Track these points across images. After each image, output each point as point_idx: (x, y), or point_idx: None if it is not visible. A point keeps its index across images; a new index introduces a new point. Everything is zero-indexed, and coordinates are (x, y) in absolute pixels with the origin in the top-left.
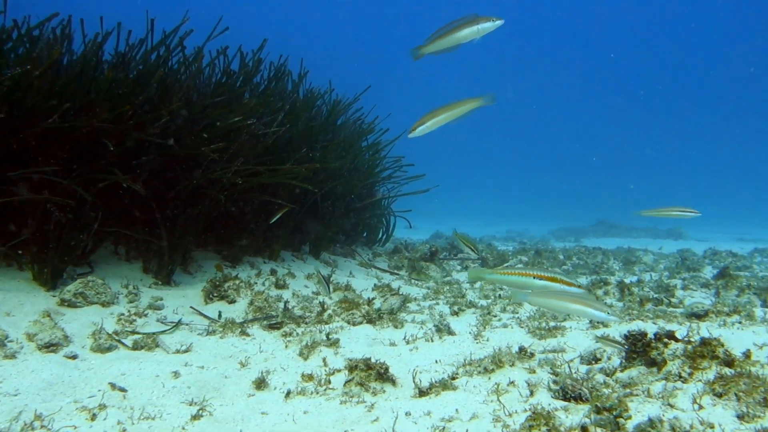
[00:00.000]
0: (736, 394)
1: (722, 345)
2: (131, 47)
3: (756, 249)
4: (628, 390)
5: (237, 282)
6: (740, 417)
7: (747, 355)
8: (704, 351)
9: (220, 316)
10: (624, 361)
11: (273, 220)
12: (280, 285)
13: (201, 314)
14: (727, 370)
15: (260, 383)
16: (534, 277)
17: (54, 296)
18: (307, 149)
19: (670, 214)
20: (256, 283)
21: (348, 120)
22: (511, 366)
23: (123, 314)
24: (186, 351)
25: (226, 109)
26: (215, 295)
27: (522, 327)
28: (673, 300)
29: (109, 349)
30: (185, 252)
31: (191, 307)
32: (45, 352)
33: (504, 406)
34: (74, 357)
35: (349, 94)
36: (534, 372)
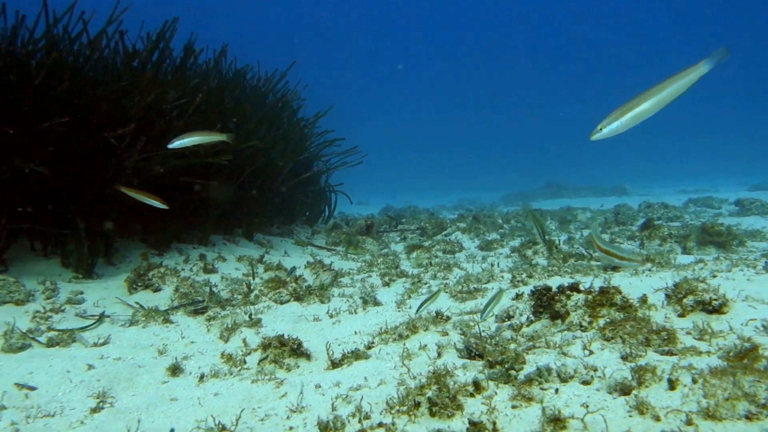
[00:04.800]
0: (621, 337)
1: (620, 292)
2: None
3: (690, 199)
4: (530, 343)
5: (162, 270)
6: (624, 358)
7: (643, 299)
8: (603, 299)
9: (141, 306)
10: (531, 315)
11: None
12: (208, 269)
13: (124, 303)
14: (617, 315)
15: (175, 369)
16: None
17: None
18: (222, 127)
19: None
20: (183, 270)
21: (275, 98)
22: (425, 331)
23: (38, 311)
24: (104, 344)
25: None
26: (139, 284)
27: (446, 292)
28: (596, 254)
29: (22, 348)
30: (107, 243)
31: (116, 297)
32: None
33: (410, 370)
34: None
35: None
36: (446, 334)
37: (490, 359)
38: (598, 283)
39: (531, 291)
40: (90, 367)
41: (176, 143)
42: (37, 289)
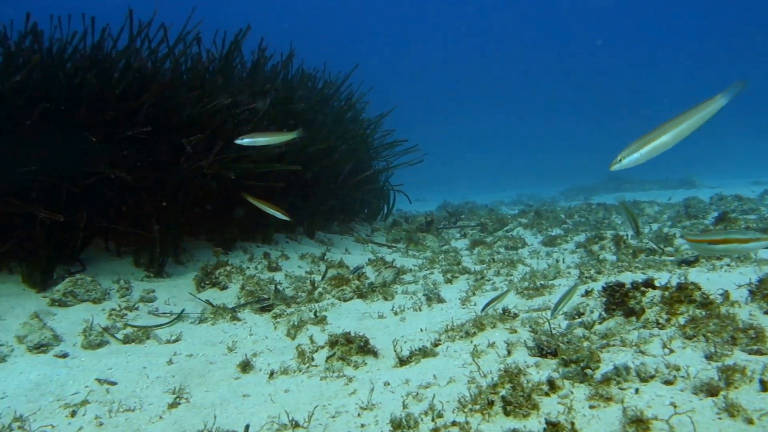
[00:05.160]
0: (704, 335)
1: (699, 288)
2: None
3: (766, 191)
4: (604, 341)
5: (228, 268)
6: (708, 357)
7: (725, 296)
8: (681, 296)
9: (211, 304)
10: (603, 313)
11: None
12: (272, 268)
13: (198, 299)
14: (699, 312)
15: (245, 366)
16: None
17: (44, 297)
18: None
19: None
20: (248, 268)
21: (339, 101)
22: (492, 328)
23: (114, 309)
24: (176, 341)
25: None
26: (207, 282)
27: (512, 289)
28: (668, 249)
29: (100, 345)
30: (176, 242)
31: (190, 293)
32: (35, 353)
33: (480, 368)
34: (64, 356)
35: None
36: (515, 332)
37: (565, 357)
38: (673, 279)
39: (602, 287)
40: (163, 364)
41: (245, 141)
42: (112, 288)
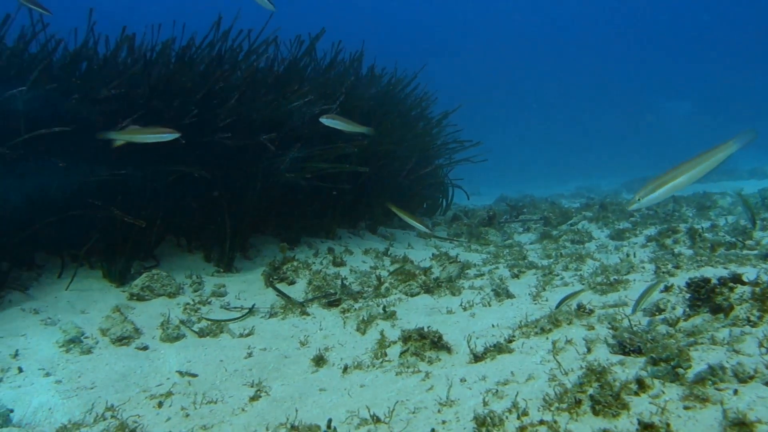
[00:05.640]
0: None
1: None
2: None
3: None
4: (692, 339)
5: (295, 263)
6: None
7: None
8: None
9: (287, 297)
10: (688, 309)
11: None
12: (337, 263)
13: (279, 292)
14: None
15: (319, 360)
16: None
17: (123, 291)
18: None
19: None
20: (314, 263)
21: (404, 98)
22: (568, 324)
23: (188, 303)
24: (249, 334)
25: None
26: (275, 277)
27: (583, 284)
28: (749, 242)
29: (177, 338)
30: (245, 239)
31: (273, 288)
32: (118, 345)
33: (560, 365)
34: (145, 348)
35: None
36: (593, 328)
37: (653, 356)
38: (762, 275)
39: (686, 283)
40: (239, 357)
41: (327, 121)
42: (186, 283)
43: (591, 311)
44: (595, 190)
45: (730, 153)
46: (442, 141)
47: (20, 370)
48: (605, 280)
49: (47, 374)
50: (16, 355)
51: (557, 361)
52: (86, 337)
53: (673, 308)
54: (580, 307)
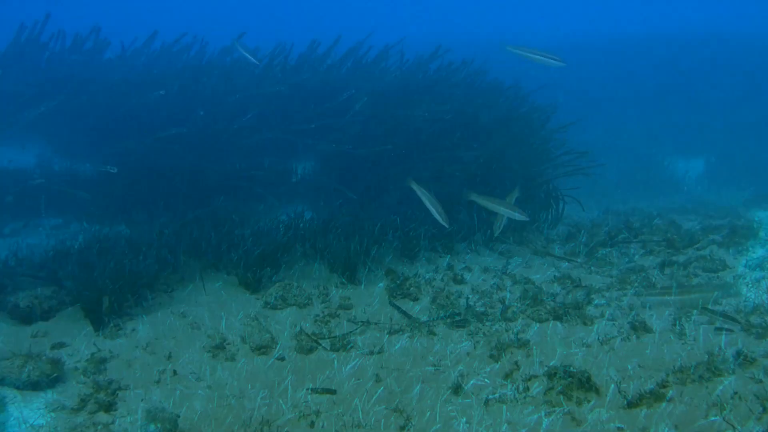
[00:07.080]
0: None
1: None
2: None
3: None
4: None
5: (417, 279)
6: None
7: None
8: None
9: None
10: None
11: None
12: (458, 280)
13: (404, 312)
14: None
15: (457, 389)
16: None
17: (258, 299)
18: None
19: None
20: (434, 279)
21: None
22: (730, 374)
23: (318, 315)
24: (379, 352)
25: None
26: (399, 293)
27: (738, 322)
28: None
29: (311, 350)
30: (367, 249)
31: (396, 307)
32: (257, 354)
33: (734, 428)
34: (282, 359)
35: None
36: (760, 382)
37: None
38: None
39: None
40: (376, 377)
41: (517, 51)
42: (314, 293)
43: (753, 360)
44: (709, 205)
45: None
46: (562, 151)
47: (175, 372)
48: (762, 322)
49: (199, 379)
50: (169, 357)
51: (728, 422)
52: (228, 344)
53: None
54: (739, 354)
